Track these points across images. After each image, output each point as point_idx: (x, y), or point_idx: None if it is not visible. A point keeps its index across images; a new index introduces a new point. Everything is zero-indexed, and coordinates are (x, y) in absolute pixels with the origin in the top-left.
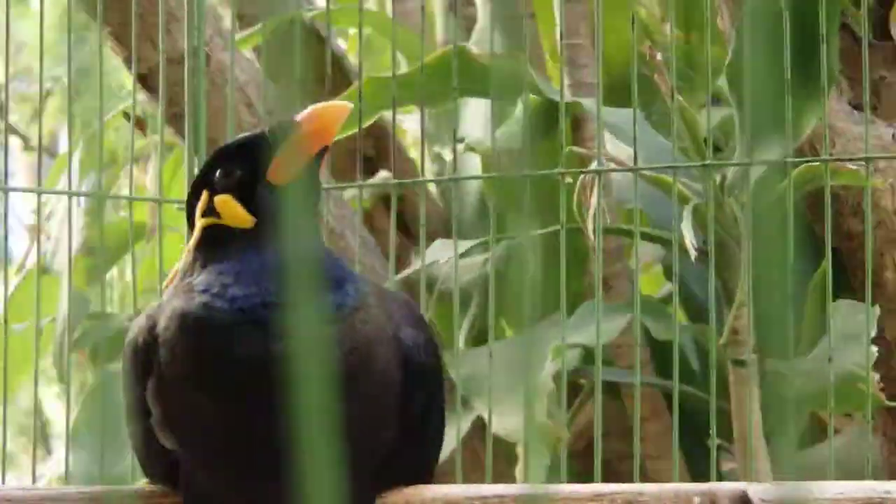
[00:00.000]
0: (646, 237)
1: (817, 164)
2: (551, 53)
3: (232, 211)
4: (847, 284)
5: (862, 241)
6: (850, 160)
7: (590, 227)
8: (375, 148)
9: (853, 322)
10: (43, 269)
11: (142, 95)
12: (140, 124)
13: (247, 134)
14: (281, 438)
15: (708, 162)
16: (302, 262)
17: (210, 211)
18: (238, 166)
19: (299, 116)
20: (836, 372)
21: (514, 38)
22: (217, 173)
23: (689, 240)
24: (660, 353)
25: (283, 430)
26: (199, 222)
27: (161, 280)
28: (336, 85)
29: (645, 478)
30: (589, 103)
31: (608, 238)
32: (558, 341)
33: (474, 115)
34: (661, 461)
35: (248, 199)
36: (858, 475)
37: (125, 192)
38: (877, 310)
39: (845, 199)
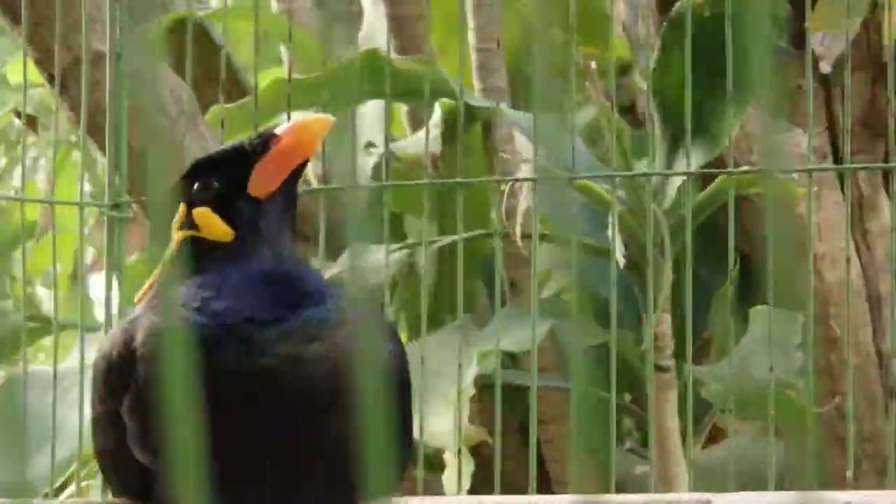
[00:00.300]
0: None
1: (742, 174)
2: (463, 58)
3: (211, 224)
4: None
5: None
6: (792, 171)
7: (518, 232)
8: None
9: (775, 329)
10: None
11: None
12: (31, 122)
13: (225, 146)
14: (265, 451)
15: (657, 172)
16: (284, 278)
17: (188, 224)
18: (216, 178)
19: (279, 129)
20: (760, 378)
21: (406, 39)
22: (195, 185)
23: (619, 250)
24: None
25: (267, 442)
26: (177, 235)
27: (55, 280)
28: (229, 86)
29: (548, 482)
30: (513, 114)
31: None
32: (483, 346)
33: (374, 119)
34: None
35: (227, 212)
36: (760, 480)
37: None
38: (801, 317)
39: (758, 205)
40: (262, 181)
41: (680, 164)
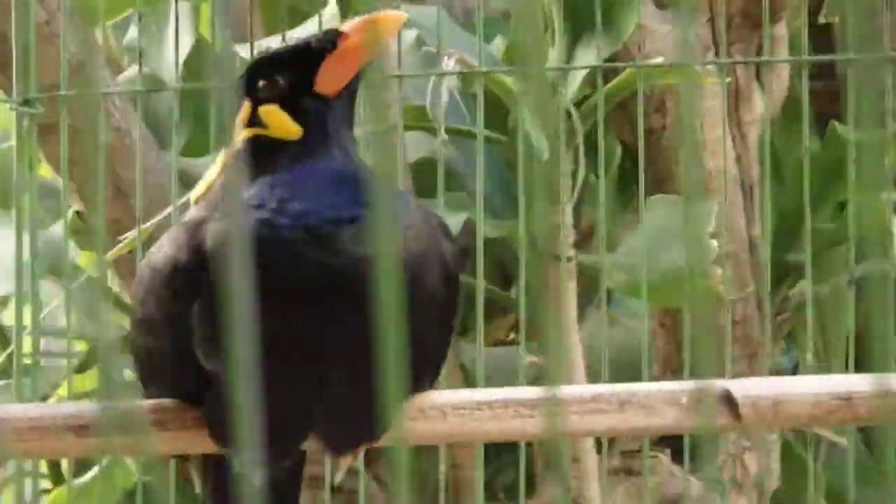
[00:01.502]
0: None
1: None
2: None
3: (280, 121)
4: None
5: (661, 135)
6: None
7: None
8: None
9: (670, 217)
10: None
11: None
12: None
13: (289, 43)
14: (336, 352)
15: (570, 66)
16: (353, 176)
17: (254, 121)
18: (281, 76)
19: (346, 26)
20: (664, 267)
21: None
22: (259, 83)
23: (539, 141)
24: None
25: (349, 345)
26: (242, 133)
27: None
28: None
29: None
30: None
31: None
32: None
33: None
34: None
35: (294, 109)
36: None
37: None
38: (715, 206)
39: (648, 97)
40: (331, 79)
41: (582, 58)
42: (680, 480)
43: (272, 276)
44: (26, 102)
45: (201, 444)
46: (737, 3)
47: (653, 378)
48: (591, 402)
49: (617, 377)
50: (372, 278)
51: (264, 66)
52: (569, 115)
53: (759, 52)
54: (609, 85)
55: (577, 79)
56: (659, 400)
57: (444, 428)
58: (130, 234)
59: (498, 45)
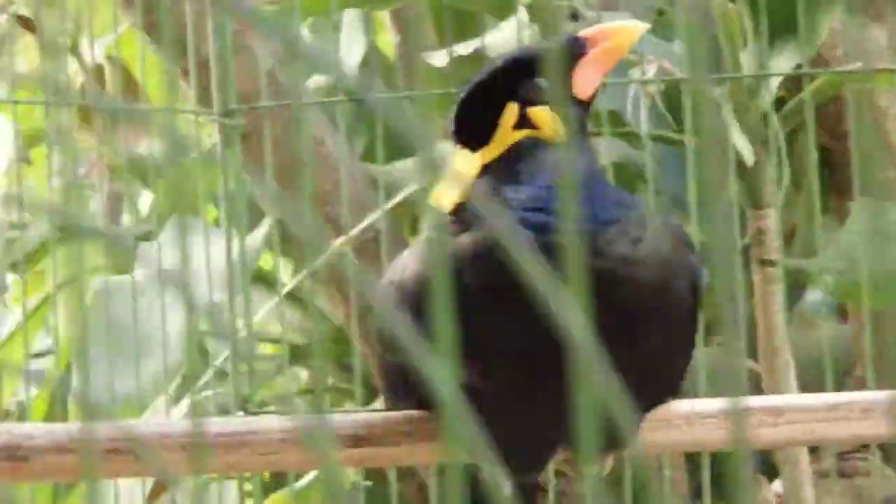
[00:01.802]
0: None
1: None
2: None
3: (551, 124)
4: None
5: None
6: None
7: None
8: None
9: (881, 221)
10: None
11: None
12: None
13: (536, 46)
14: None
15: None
16: (604, 178)
17: (522, 124)
18: (544, 80)
19: (589, 33)
20: (882, 268)
21: None
22: (525, 85)
23: (743, 147)
24: None
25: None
26: (512, 134)
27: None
28: None
29: None
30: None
31: None
32: None
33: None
34: None
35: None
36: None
37: None
38: None
39: (846, 100)
40: (585, 83)
41: (776, 64)
42: (892, 482)
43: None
44: (227, 114)
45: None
46: None
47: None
48: (828, 411)
49: (818, 380)
50: (628, 278)
51: (520, 68)
52: (765, 120)
53: None
54: (809, 88)
55: (774, 84)
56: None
57: (688, 437)
58: (337, 243)
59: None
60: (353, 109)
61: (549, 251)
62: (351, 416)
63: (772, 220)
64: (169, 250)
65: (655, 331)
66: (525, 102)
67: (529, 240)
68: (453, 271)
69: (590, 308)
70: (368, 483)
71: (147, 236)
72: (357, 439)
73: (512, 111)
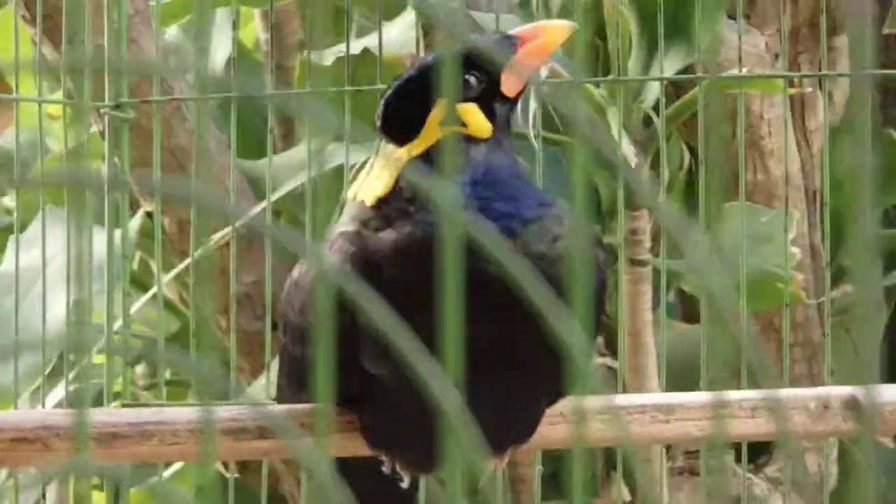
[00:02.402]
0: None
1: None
2: None
3: (478, 120)
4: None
5: (730, 143)
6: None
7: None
8: None
9: (754, 224)
10: None
11: None
12: None
13: (466, 45)
14: (507, 351)
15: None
16: (526, 176)
17: (451, 119)
18: (474, 77)
19: (517, 31)
20: (749, 270)
21: None
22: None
23: (626, 148)
24: None
25: (510, 343)
26: (437, 130)
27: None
28: None
29: None
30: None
31: None
32: None
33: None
34: None
35: (484, 109)
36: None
37: None
38: (795, 213)
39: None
40: (513, 80)
41: (657, 70)
42: (742, 480)
43: (477, 277)
44: (117, 107)
45: (354, 447)
46: (804, 13)
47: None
48: (721, 409)
49: (677, 382)
50: (547, 276)
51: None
52: (647, 123)
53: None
54: (685, 98)
55: (655, 88)
56: (789, 406)
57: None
58: (217, 236)
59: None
60: (222, 105)
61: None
62: (258, 409)
63: (645, 220)
64: (38, 243)
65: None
66: None
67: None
68: (374, 266)
69: (508, 302)
70: (237, 475)
71: (10, 228)
72: (262, 431)
73: (441, 106)
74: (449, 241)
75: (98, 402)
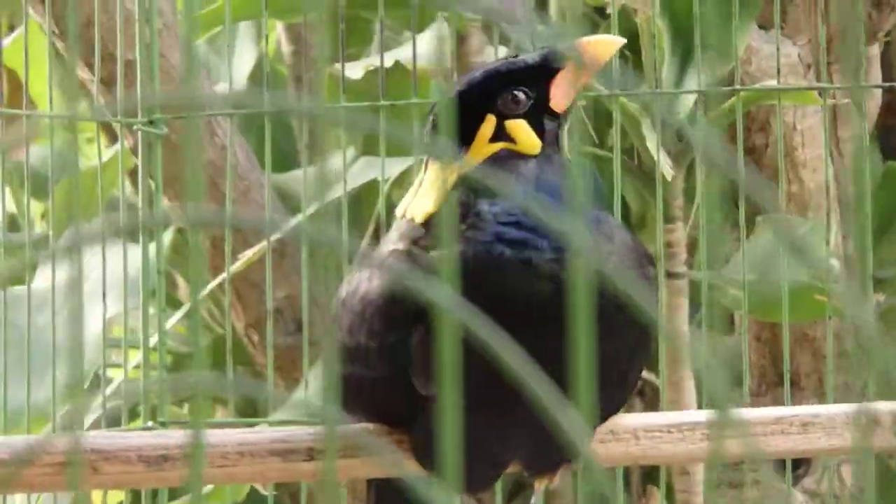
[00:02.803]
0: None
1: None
2: None
3: (527, 137)
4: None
5: (764, 154)
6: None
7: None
8: None
9: (791, 235)
10: None
11: None
12: None
13: (513, 59)
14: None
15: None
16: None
17: (498, 136)
18: (522, 92)
19: (565, 47)
20: (784, 284)
21: None
22: (501, 98)
23: (664, 160)
24: None
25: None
26: (487, 147)
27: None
28: None
29: None
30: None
31: None
32: None
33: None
34: None
35: (534, 125)
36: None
37: None
38: (834, 225)
39: (755, 115)
40: (561, 96)
41: (690, 81)
42: (781, 494)
43: (517, 299)
44: (150, 122)
45: (403, 467)
46: (835, 23)
47: (750, 392)
48: (773, 424)
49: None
50: (608, 295)
51: (497, 81)
52: (680, 136)
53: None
54: (718, 111)
55: (689, 100)
56: (840, 422)
57: (636, 450)
58: (250, 252)
59: None
60: (243, 120)
61: (528, 267)
62: (305, 429)
63: (680, 233)
64: (68, 261)
65: (623, 345)
66: (502, 115)
67: (506, 256)
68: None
69: (559, 329)
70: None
71: (41, 246)
72: (310, 452)
73: (490, 123)
74: (580, 281)
75: (133, 417)
